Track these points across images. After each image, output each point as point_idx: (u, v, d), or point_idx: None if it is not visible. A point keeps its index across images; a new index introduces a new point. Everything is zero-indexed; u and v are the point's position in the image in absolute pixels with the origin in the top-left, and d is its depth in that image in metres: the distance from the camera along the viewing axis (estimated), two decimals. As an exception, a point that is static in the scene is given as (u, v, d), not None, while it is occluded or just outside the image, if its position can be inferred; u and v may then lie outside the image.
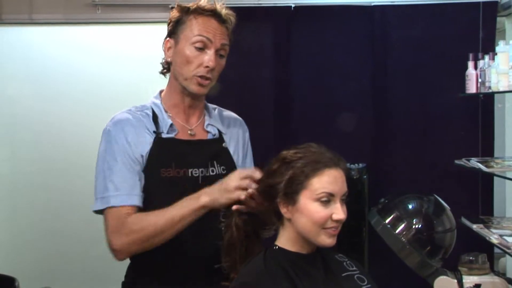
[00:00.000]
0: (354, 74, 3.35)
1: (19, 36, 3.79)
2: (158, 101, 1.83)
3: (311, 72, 3.35)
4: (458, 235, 2.17)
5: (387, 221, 2.09)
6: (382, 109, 3.32)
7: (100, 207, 1.73)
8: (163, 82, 3.67)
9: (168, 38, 1.80)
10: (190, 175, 1.74)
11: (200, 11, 1.75)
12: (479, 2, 3.22)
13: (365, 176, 3.13)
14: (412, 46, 3.30)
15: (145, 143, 1.74)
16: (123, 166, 1.71)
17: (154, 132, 1.75)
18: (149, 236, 1.63)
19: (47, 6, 3.47)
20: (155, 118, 1.79)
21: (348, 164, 3.11)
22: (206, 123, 1.86)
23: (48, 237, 3.74)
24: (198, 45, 1.73)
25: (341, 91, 3.33)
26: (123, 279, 1.86)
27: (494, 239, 2.37)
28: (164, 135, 1.76)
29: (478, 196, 3.22)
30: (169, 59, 1.80)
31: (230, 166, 1.82)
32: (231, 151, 1.87)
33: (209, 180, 1.73)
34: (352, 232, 3.02)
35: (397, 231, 2.06)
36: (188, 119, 1.83)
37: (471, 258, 2.24)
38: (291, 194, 1.49)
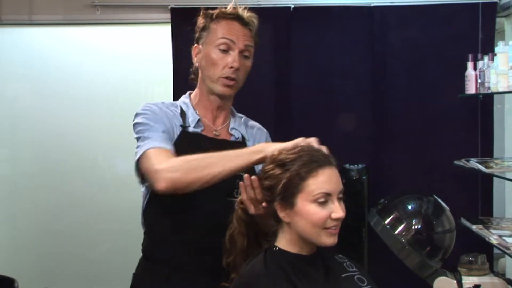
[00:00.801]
0: (354, 75, 3.35)
1: (19, 37, 3.79)
2: (187, 100, 1.91)
3: (311, 73, 3.36)
4: (458, 236, 2.17)
5: (386, 221, 2.09)
6: (381, 110, 3.32)
7: (140, 152, 1.70)
8: (162, 82, 3.69)
9: (196, 44, 1.89)
10: None
11: (222, 16, 1.84)
12: (478, 3, 3.22)
13: (364, 177, 3.13)
14: (412, 47, 3.30)
15: (174, 132, 1.80)
16: (160, 130, 1.75)
17: (181, 126, 1.81)
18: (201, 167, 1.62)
19: (46, 7, 3.48)
20: (182, 114, 1.85)
21: (347, 165, 3.13)
22: (231, 126, 1.92)
23: (48, 238, 3.75)
24: (222, 47, 1.82)
25: (340, 91, 3.33)
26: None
27: (494, 240, 2.37)
28: (190, 129, 1.82)
29: (478, 196, 3.22)
30: (197, 64, 1.88)
31: (248, 170, 1.80)
32: None
33: (227, 180, 1.73)
34: (351, 233, 3.03)
35: (396, 232, 2.06)
36: (214, 120, 1.90)
37: (470, 258, 2.24)
38: (288, 197, 1.49)
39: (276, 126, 3.32)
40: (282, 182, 1.49)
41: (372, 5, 3.31)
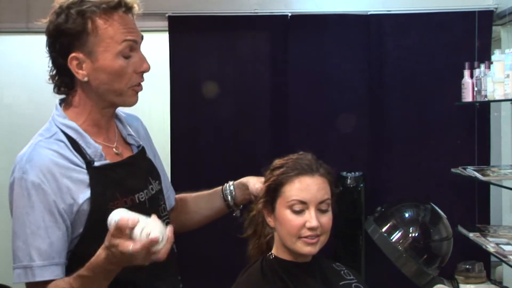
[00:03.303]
0: (351, 83, 3.35)
1: (17, 45, 3.79)
2: (71, 123, 1.48)
3: (308, 81, 3.36)
4: (455, 244, 2.17)
5: (384, 229, 2.10)
6: (378, 118, 3.33)
7: (24, 279, 1.40)
8: (160, 90, 3.66)
9: (73, 54, 1.44)
10: (138, 201, 1.48)
11: (108, 10, 1.46)
12: (474, 11, 3.23)
13: (361, 185, 3.13)
14: (408, 55, 3.31)
15: (77, 183, 1.41)
16: (51, 227, 1.38)
17: (86, 162, 1.43)
18: None
19: (44, 15, 3.45)
20: (75, 145, 1.45)
21: (344, 173, 3.13)
22: (124, 134, 1.58)
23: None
24: (126, 52, 1.46)
25: (337, 99, 3.33)
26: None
27: (491, 248, 2.37)
28: (97, 163, 1.44)
29: (475, 204, 3.22)
30: (85, 79, 1.44)
31: (159, 179, 1.61)
32: (152, 159, 1.63)
33: (153, 201, 1.52)
34: (348, 241, 3.02)
35: (394, 240, 2.06)
36: (107, 136, 1.53)
37: (467, 266, 2.25)
38: (270, 202, 1.51)
39: (273, 134, 3.33)
40: (266, 185, 1.52)
41: (369, 13, 3.32)
